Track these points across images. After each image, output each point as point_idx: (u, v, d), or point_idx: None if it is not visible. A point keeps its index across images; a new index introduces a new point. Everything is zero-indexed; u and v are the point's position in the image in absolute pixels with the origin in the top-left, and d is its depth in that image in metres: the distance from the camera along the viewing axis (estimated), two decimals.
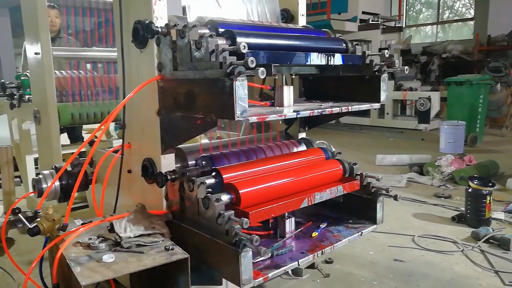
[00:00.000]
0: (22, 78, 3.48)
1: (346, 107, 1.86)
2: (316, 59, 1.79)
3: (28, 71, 3.60)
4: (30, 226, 1.67)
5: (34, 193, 2.28)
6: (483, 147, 6.89)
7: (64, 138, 4.38)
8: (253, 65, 1.37)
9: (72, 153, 4.38)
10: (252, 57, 1.37)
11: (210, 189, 1.70)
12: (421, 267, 2.67)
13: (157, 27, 1.69)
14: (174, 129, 1.76)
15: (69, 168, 2.34)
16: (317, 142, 2.48)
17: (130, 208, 2.01)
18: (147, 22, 1.70)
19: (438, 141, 6.55)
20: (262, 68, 1.37)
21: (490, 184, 3.33)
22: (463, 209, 3.54)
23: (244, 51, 1.42)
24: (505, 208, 3.67)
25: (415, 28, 14.84)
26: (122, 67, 1.94)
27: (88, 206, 3.01)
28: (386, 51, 2.00)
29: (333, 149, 2.36)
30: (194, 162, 1.98)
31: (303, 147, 2.32)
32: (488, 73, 8.02)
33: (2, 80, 3.59)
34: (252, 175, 1.86)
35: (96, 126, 3.88)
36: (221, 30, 1.70)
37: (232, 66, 1.42)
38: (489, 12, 11.77)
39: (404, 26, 13.82)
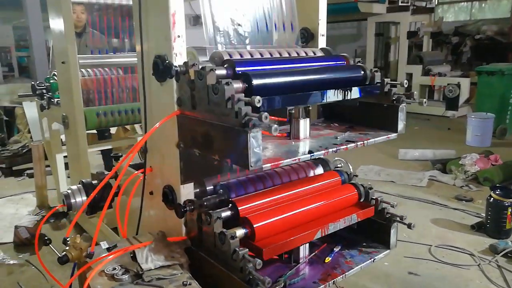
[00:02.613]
0: (51, 81, 3.61)
1: (362, 143, 1.88)
2: (333, 96, 1.81)
3: (56, 71, 3.72)
4: (59, 255, 1.80)
5: (64, 206, 2.42)
6: None
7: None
8: (266, 120, 1.41)
9: (99, 150, 4.54)
10: (266, 113, 1.41)
11: (226, 218, 1.79)
12: (435, 282, 2.71)
13: (176, 67, 1.73)
14: (193, 164, 1.83)
15: (94, 182, 2.47)
16: (335, 159, 2.52)
17: (152, 228, 2.13)
18: (166, 62, 1.74)
19: (465, 131, 6.43)
20: (275, 126, 1.40)
21: None
22: (484, 215, 3.52)
23: (258, 105, 1.45)
24: None
25: (448, 5, 14.22)
26: (143, 97, 2.00)
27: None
28: (405, 81, 1.99)
29: (350, 170, 2.39)
30: (212, 187, 2.05)
31: (319, 169, 2.35)
32: None
33: (32, 82, 3.72)
34: (267, 206, 1.93)
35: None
36: (238, 69, 1.73)
37: (247, 117, 1.46)
38: None
39: (436, 3, 13.27)
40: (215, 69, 1.63)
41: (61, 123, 3.40)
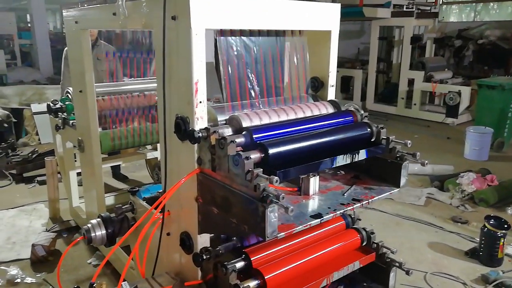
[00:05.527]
0: (66, 103, 3.73)
1: (367, 201, 2.03)
2: (342, 160, 1.95)
3: (69, 88, 3.84)
4: None
5: (84, 238, 2.58)
6: (510, 152, 6.85)
7: None
8: (283, 200, 1.56)
9: (110, 166, 4.67)
10: (283, 194, 1.56)
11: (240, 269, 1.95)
12: None
13: (198, 132, 1.87)
14: (212, 219, 1.98)
15: (113, 215, 2.65)
16: None
17: (169, 266, 2.30)
18: (189, 129, 1.89)
19: (464, 142, 6.57)
20: (291, 207, 1.55)
21: (506, 226, 3.45)
22: (478, 239, 3.69)
23: (276, 184, 1.60)
24: None
25: (451, 5, 14.23)
26: (164, 151, 2.15)
27: None
28: (409, 141, 2.13)
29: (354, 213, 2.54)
30: None
31: None
32: None
33: (48, 103, 3.85)
34: (277, 255, 2.09)
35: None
36: (255, 136, 1.87)
37: (266, 192, 1.61)
38: None
39: (441, 2, 13.31)
40: (235, 141, 1.77)
41: (76, 145, 3.54)
